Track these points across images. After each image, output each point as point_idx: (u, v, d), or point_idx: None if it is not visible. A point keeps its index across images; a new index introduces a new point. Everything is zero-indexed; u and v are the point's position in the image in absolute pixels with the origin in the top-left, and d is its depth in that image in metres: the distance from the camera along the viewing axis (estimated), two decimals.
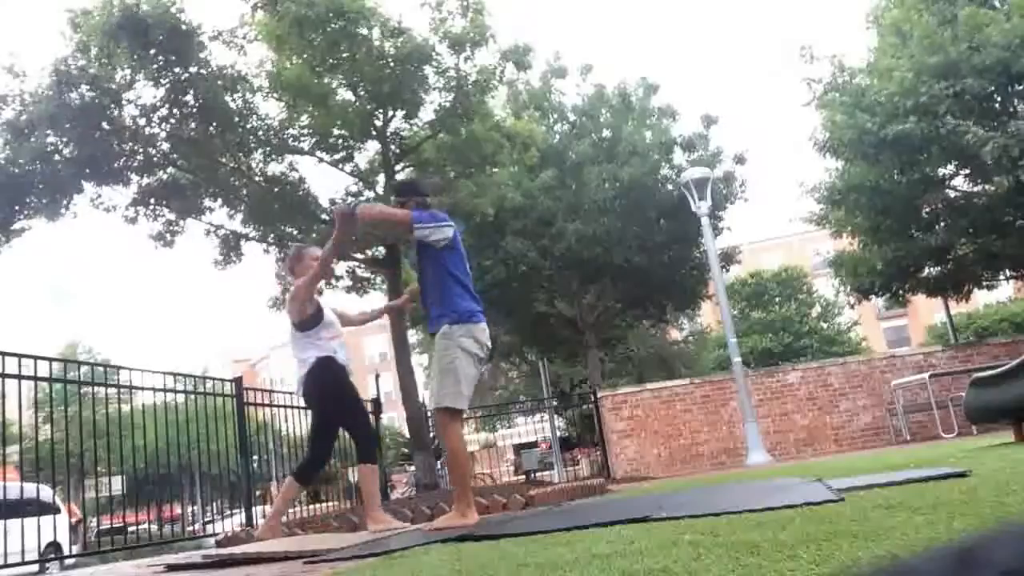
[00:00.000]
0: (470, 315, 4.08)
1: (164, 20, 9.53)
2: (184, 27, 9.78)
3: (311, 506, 13.90)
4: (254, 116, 11.25)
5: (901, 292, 14.91)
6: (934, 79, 11.30)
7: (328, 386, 4.54)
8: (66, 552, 9.70)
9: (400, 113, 11.77)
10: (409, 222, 4.03)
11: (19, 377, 5.11)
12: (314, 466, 4.71)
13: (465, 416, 12.97)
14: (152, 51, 9.76)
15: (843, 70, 13.16)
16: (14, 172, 9.75)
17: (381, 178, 12.21)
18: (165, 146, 10.94)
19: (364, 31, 10.50)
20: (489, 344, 4.20)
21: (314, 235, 11.75)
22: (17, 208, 10.10)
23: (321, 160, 12.09)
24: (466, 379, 3.97)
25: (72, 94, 9.74)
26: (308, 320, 4.54)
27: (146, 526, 12.79)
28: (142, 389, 6.46)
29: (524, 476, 15.71)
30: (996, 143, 10.60)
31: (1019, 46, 10.86)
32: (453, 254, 4.12)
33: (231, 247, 11.98)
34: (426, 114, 11.80)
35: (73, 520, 10.58)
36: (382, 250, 11.79)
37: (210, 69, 10.36)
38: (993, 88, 11.64)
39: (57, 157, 10.02)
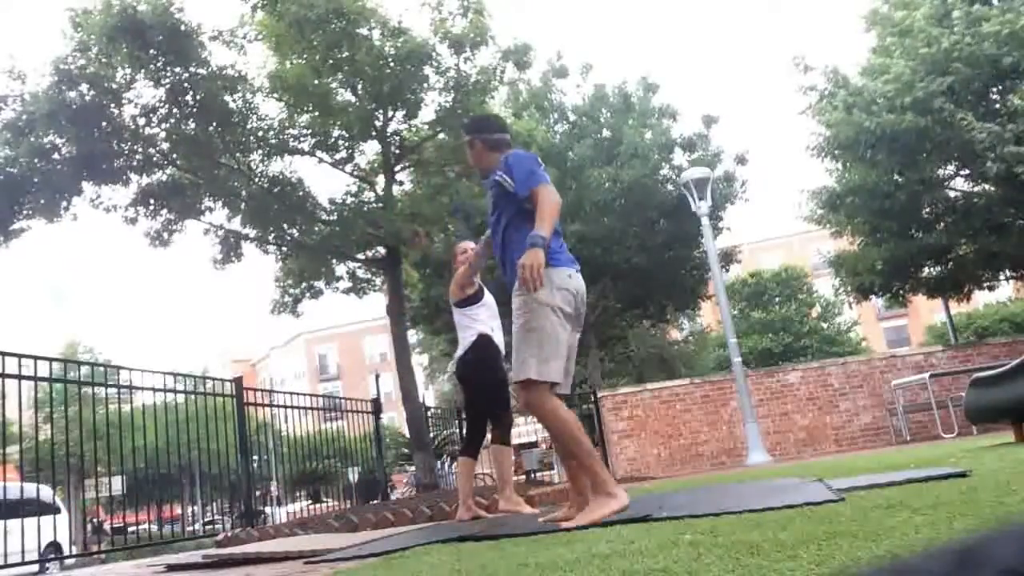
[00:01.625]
0: (566, 260, 3.34)
1: (163, 21, 9.53)
2: (183, 28, 9.79)
3: (311, 506, 13.91)
4: (254, 116, 11.25)
5: (901, 292, 14.91)
6: (929, 74, 11.32)
7: (487, 360, 4.71)
8: (66, 552, 9.71)
9: (400, 113, 11.78)
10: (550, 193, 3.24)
11: (19, 377, 5.10)
12: (480, 439, 4.96)
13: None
14: (152, 51, 9.76)
15: (838, 77, 13.16)
16: (13, 172, 9.75)
17: (381, 178, 12.22)
18: (165, 146, 10.94)
19: (364, 31, 10.51)
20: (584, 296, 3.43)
21: (315, 235, 11.76)
22: (16, 208, 10.10)
23: (321, 160, 12.09)
24: (553, 342, 3.15)
25: (72, 93, 9.74)
26: (466, 299, 4.76)
27: (146, 526, 12.81)
28: (142, 389, 6.45)
29: (524, 476, 15.71)
30: (990, 132, 10.65)
31: (1009, 38, 10.89)
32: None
33: (231, 247, 11.98)
34: (426, 114, 11.81)
35: (98, 520, 10.57)
36: (382, 251, 11.79)
37: (210, 69, 10.36)
38: (986, 82, 11.66)
39: (56, 156, 10.02)
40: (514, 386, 3.28)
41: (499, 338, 4.82)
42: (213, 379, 7.68)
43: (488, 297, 4.90)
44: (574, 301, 3.29)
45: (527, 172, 3.32)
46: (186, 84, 10.23)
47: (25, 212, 10.25)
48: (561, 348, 3.17)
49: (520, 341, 3.17)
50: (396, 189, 12.48)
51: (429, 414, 12.86)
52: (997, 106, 11.98)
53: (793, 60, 13.14)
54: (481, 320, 4.77)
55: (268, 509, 11.55)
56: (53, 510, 10.12)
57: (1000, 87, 11.86)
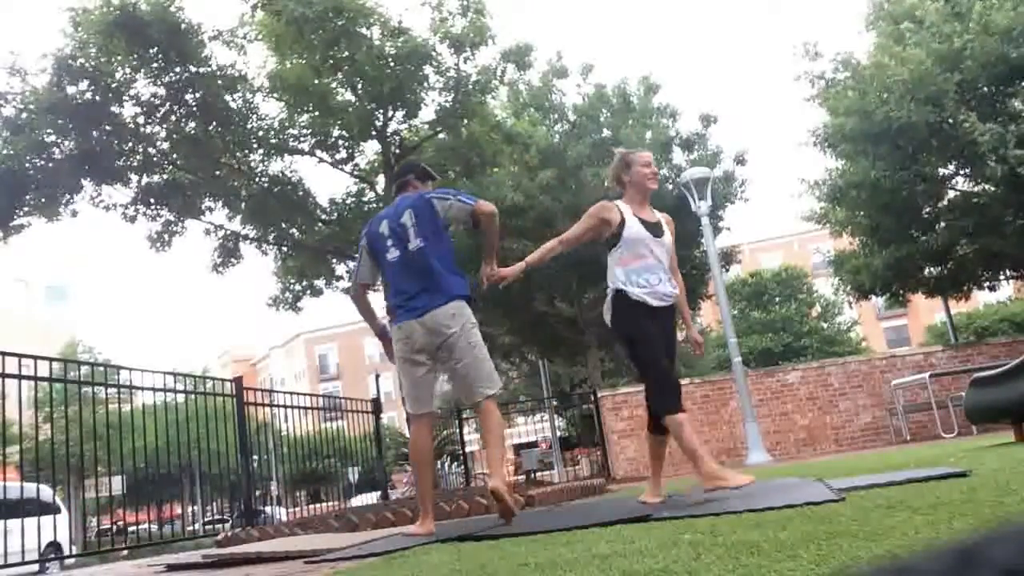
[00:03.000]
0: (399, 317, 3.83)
1: (163, 18, 9.52)
2: (183, 26, 9.78)
3: (311, 506, 13.90)
4: (254, 116, 11.25)
5: (901, 292, 14.91)
6: (942, 71, 11.29)
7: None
8: (66, 552, 9.71)
9: (400, 113, 11.77)
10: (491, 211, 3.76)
11: (19, 377, 5.10)
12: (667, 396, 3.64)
13: (465, 416, 12.97)
14: (152, 49, 9.76)
15: (848, 63, 13.13)
16: (13, 168, 9.74)
17: (381, 178, 12.21)
18: (165, 145, 10.94)
19: (364, 30, 10.51)
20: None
21: (315, 235, 11.76)
22: (16, 205, 10.10)
23: (321, 160, 12.08)
24: (404, 385, 3.87)
25: (72, 88, 9.73)
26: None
27: (146, 526, 12.81)
28: (142, 389, 6.45)
29: (524, 476, 15.72)
30: (993, 133, 10.63)
31: (1020, 34, 10.86)
32: None
33: (229, 251, 11.96)
34: (426, 114, 11.81)
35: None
36: None
37: (210, 68, 10.35)
38: (994, 82, 11.65)
39: (56, 152, 10.01)
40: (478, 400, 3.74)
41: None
42: (213, 379, 7.68)
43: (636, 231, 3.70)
44: (408, 341, 3.72)
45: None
46: (186, 83, 10.22)
47: (25, 208, 10.24)
48: (407, 386, 3.79)
49: (481, 352, 3.74)
50: None
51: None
52: (997, 105, 11.97)
53: (803, 46, 13.12)
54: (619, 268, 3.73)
55: (268, 509, 11.55)
56: (53, 510, 10.12)
57: (1005, 86, 11.85)
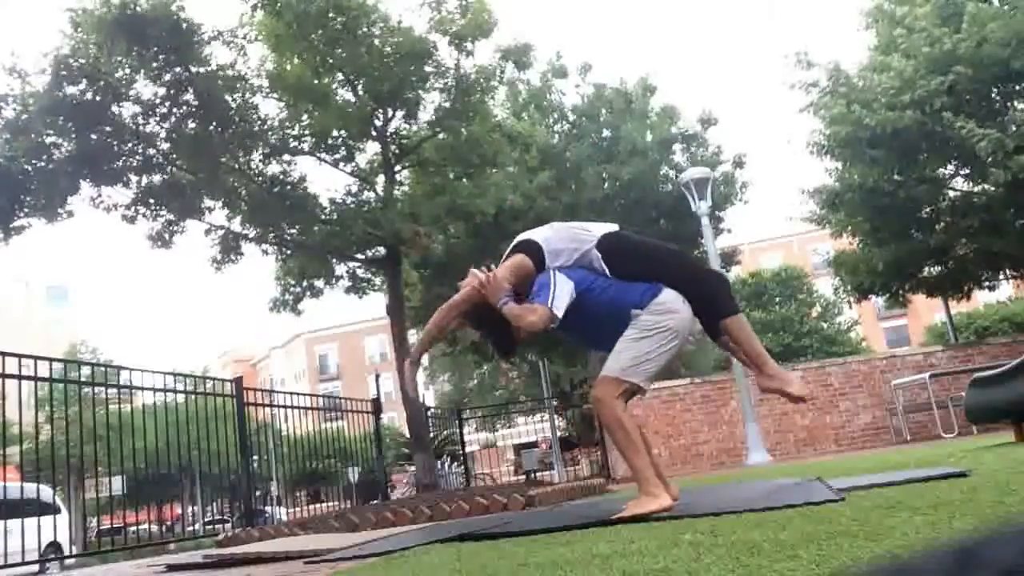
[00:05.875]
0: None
1: (163, 17, 9.51)
2: (184, 25, 9.77)
3: (311, 506, 13.91)
4: (254, 116, 11.24)
5: (901, 292, 14.90)
6: (931, 73, 11.29)
7: None
8: (66, 552, 9.71)
9: (400, 113, 11.78)
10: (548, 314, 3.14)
11: (19, 377, 5.10)
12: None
13: (466, 416, 12.91)
14: (152, 48, 9.75)
15: (839, 73, 13.14)
16: (13, 169, 9.73)
17: (381, 178, 12.21)
18: (165, 145, 10.93)
19: (364, 29, 10.51)
20: None
21: (315, 235, 11.76)
22: (16, 206, 10.10)
23: (321, 160, 12.08)
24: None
25: (71, 88, 9.73)
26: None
27: (146, 526, 12.80)
28: (142, 389, 6.45)
29: (524, 476, 15.72)
30: (991, 138, 10.62)
31: (1019, 44, 10.85)
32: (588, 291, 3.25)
33: (230, 247, 11.97)
34: (426, 114, 11.81)
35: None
36: (382, 251, 11.79)
37: (210, 68, 10.35)
38: (990, 85, 11.64)
39: (56, 153, 10.01)
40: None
41: None
42: (213, 379, 7.69)
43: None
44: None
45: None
46: (186, 82, 10.21)
47: (25, 210, 10.24)
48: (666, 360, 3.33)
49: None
50: (396, 189, 12.48)
51: (429, 414, 12.87)
52: (997, 106, 11.97)
53: (795, 55, 13.11)
54: None
55: (268, 509, 11.55)
56: (53, 510, 10.12)
57: (1003, 89, 11.83)
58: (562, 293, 3.16)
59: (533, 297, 3.21)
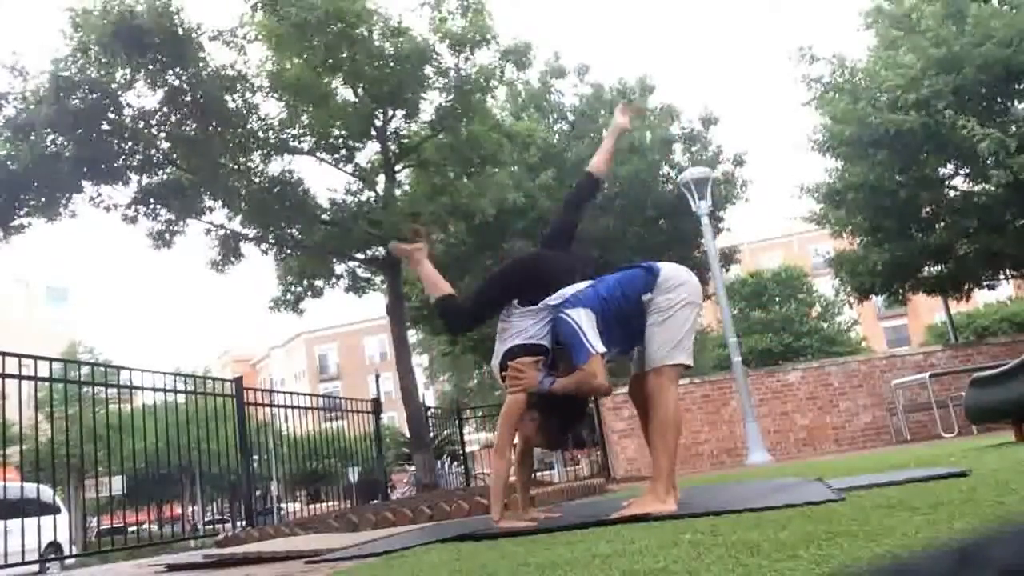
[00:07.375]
0: None
1: (161, 25, 9.50)
2: (182, 32, 9.76)
3: (311, 506, 13.91)
4: (254, 116, 11.23)
5: (901, 292, 14.91)
6: (936, 73, 11.28)
7: None
8: (66, 552, 9.71)
9: (400, 113, 11.77)
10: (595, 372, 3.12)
11: (19, 377, 5.10)
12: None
13: (465, 416, 12.95)
14: (150, 55, 9.74)
15: (843, 67, 13.13)
16: (13, 169, 9.73)
17: (381, 178, 12.20)
18: (165, 146, 10.93)
19: (364, 32, 10.50)
20: None
21: (315, 235, 11.76)
22: (16, 205, 10.09)
23: (321, 160, 12.08)
24: None
25: (72, 100, 9.73)
26: None
27: (146, 526, 12.81)
28: (142, 389, 6.45)
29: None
30: (992, 138, 10.62)
31: (1020, 42, 10.85)
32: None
33: (230, 249, 11.96)
34: (426, 114, 11.80)
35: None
36: (382, 250, 11.78)
37: (209, 70, 10.34)
38: (993, 85, 11.63)
39: (56, 153, 10.00)
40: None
41: None
42: (213, 379, 7.69)
43: None
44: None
45: None
46: (185, 86, 10.20)
47: (26, 209, 10.23)
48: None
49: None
50: (396, 189, 12.47)
51: (429, 414, 12.86)
52: (998, 106, 11.97)
53: (799, 50, 13.11)
54: None
55: (282, 506, 11.55)
56: (53, 510, 10.12)
57: (1004, 88, 11.83)
58: (590, 327, 3.12)
59: (571, 353, 3.16)
